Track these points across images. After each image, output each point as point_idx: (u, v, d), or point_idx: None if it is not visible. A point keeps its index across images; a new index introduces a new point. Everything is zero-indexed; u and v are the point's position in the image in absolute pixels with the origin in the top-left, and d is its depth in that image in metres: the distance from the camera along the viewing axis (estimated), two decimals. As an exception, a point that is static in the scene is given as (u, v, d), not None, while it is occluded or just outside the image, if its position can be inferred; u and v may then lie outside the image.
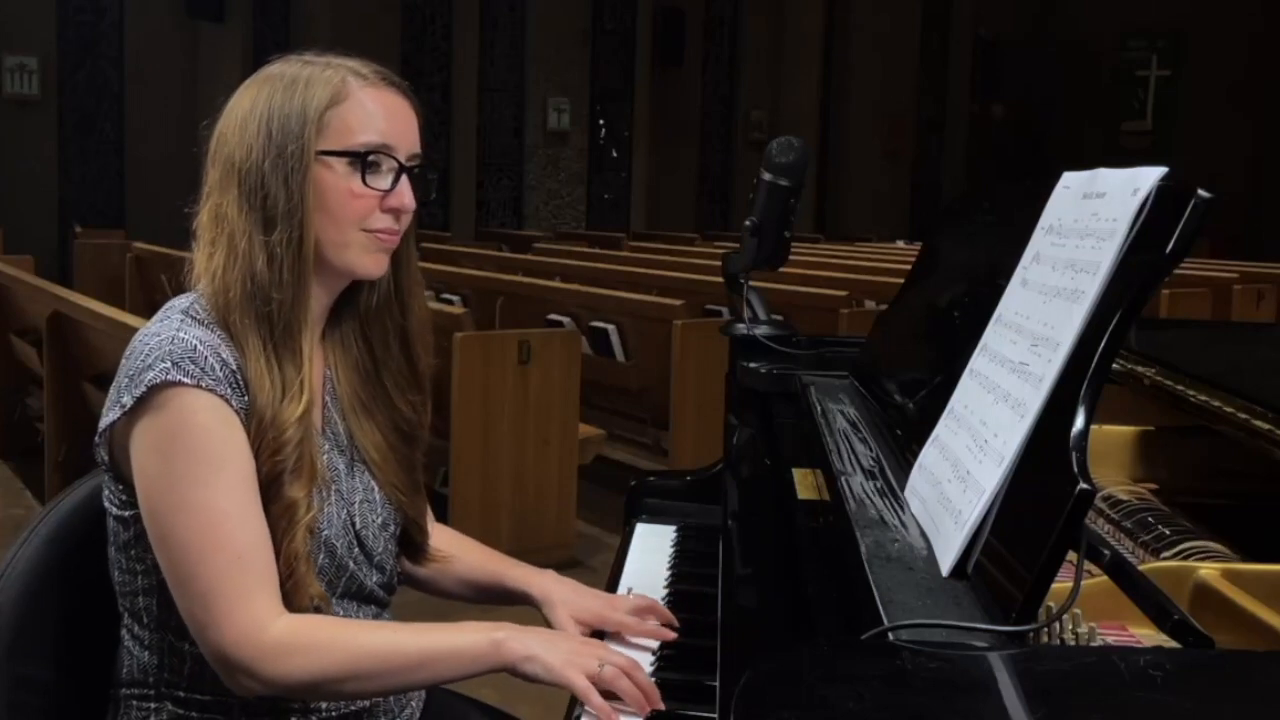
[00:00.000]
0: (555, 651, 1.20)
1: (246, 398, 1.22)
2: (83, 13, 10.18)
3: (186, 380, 1.18)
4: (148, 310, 6.26)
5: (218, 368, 1.20)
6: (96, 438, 1.25)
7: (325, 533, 1.28)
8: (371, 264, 1.30)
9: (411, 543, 1.44)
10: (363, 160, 1.26)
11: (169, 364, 1.18)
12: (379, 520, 1.37)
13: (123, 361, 1.24)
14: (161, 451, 1.19)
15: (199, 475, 1.18)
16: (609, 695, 1.18)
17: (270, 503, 1.22)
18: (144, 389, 1.18)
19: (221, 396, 1.20)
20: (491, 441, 4.00)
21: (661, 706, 1.18)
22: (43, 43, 9.89)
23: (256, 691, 1.20)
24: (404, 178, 1.29)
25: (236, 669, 1.18)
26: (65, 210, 10.11)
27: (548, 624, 1.42)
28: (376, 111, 1.29)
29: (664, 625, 1.39)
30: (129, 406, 1.19)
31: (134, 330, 3.52)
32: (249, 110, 1.28)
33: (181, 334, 1.21)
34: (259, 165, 1.25)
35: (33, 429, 5.11)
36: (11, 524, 4.33)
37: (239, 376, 1.22)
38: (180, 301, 1.27)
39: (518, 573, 1.50)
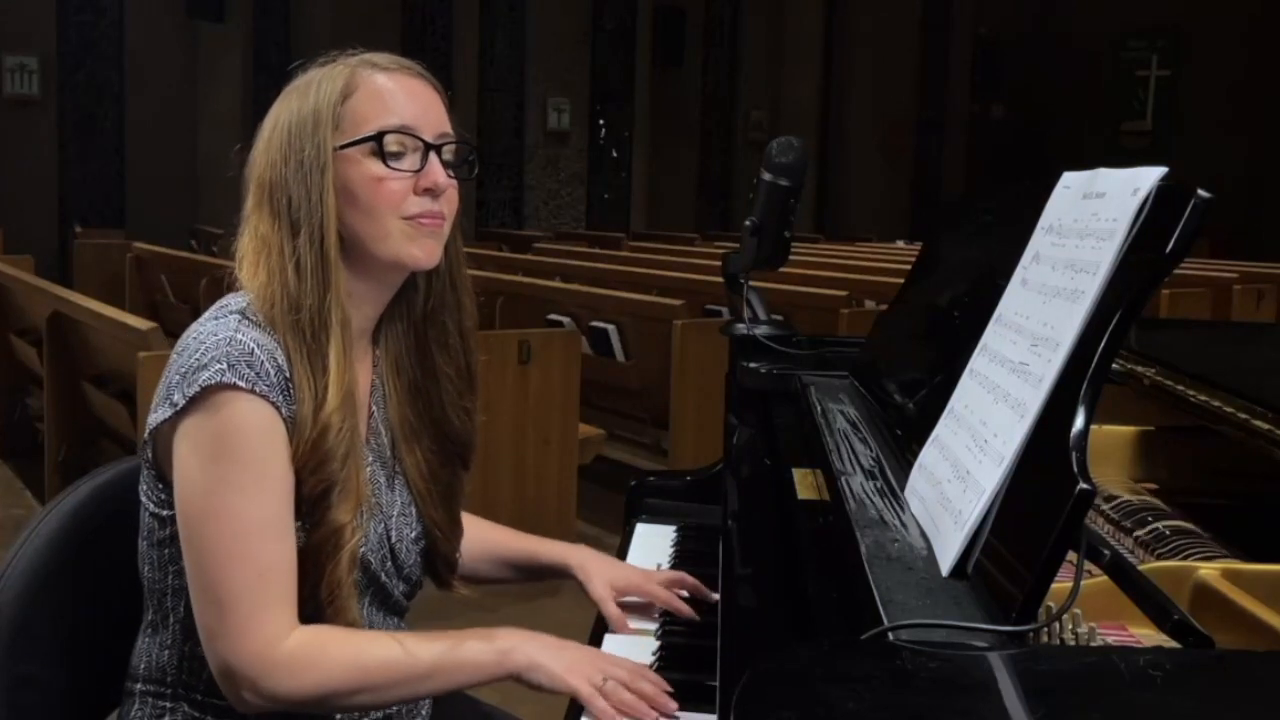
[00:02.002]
0: (559, 659, 1.20)
1: (295, 405, 1.20)
2: (83, 13, 10.19)
3: (241, 384, 1.16)
4: (148, 310, 6.28)
5: (272, 373, 1.18)
6: (145, 434, 1.24)
7: (362, 549, 1.27)
8: (420, 253, 1.26)
9: (435, 574, 1.43)
10: (379, 143, 1.24)
11: (224, 365, 1.16)
12: (413, 534, 1.37)
13: (173, 357, 1.22)
14: (206, 453, 1.17)
15: (240, 482, 1.16)
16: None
17: (316, 527, 1.21)
18: (197, 389, 1.16)
19: (273, 404, 1.18)
20: (491, 441, 4.00)
21: (674, 707, 1.18)
22: (43, 43, 9.90)
23: (257, 707, 1.18)
24: (433, 156, 1.26)
25: (242, 683, 1.16)
26: (65, 210, 10.12)
27: (585, 593, 1.48)
28: (390, 95, 1.26)
29: (698, 596, 1.46)
30: (180, 405, 1.17)
31: (134, 330, 3.51)
32: (272, 127, 1.28)
33: (239, 335, 1.19)
34: (282, 174, 1.24)
35: (33, 429, 5.11)
36: (11, 524, 4.33)
37: (291, 383, 1.20)
38: (235, 301, 1.25)
39: (550, 548, 1.55)
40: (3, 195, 9.40)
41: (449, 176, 1.28)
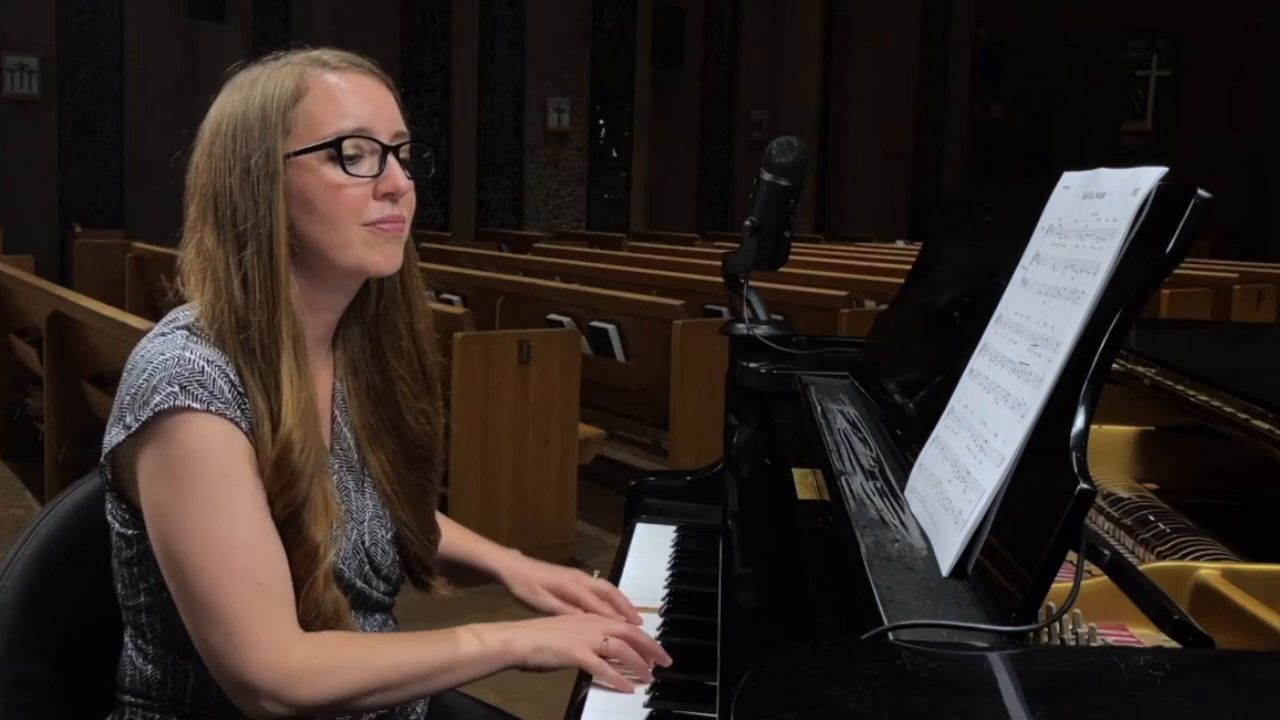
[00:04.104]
0: (560, 636, 1.21)
1: (248, 424, 1.17)
2: (83, 13, 10.19)
3: (196, 405, 1.13)
4: (148, 310, 6.27)
5: (226, 389, 1.15)
6: (101, 458, 1.21)
7: (335, 562, 1.24)
8: (382, 259, 1.22)
9: (411, 575, 1.41)
10: (338, 149, 1.19)
11: (176, 388, 1.13)
12: (389, 535, 1.34)
13: (125, 375, 1.18)
14: (173, 479, 1.14)
15: (214, 500, 1.14)
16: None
17: (291, 548, 1.18)
18: (151, 413, 1.13)
19: (231, 420, 1.15)
20: (491, 441, 4.00)
21: (669, 661, 1.22)
22: (43, 43, 9.90)
23: (277, 715, 1.16)
24: (391, 158, 1.22)
25: (261, 695, 1.14)
26: (65, 210, 10.12)
27: (517, 600, 1.47)
28: (344, 97, 1.21)
29: (629, 618, 1.38)
30: (134, 430, 1.14)
31: (134, 330, 3.51)
32: (214, 131, 1.22)
33: (187, 353, 1.15)
34: (227, 184, 1.19)
35: (33, 429, 5.11)
36: (11, 524, 4.33)
37: (246, 399, 1.17)
38: (183, 316, 1.21)
39: (485, 549, 1.52)
40: (3, 195, 9.40)
41: (408, 178, 1.24)
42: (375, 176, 1.21)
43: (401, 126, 1.25)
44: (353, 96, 1.22)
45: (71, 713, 1.36)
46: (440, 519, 1.49)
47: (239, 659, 1.14)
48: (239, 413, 1.16)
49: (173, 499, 1.14)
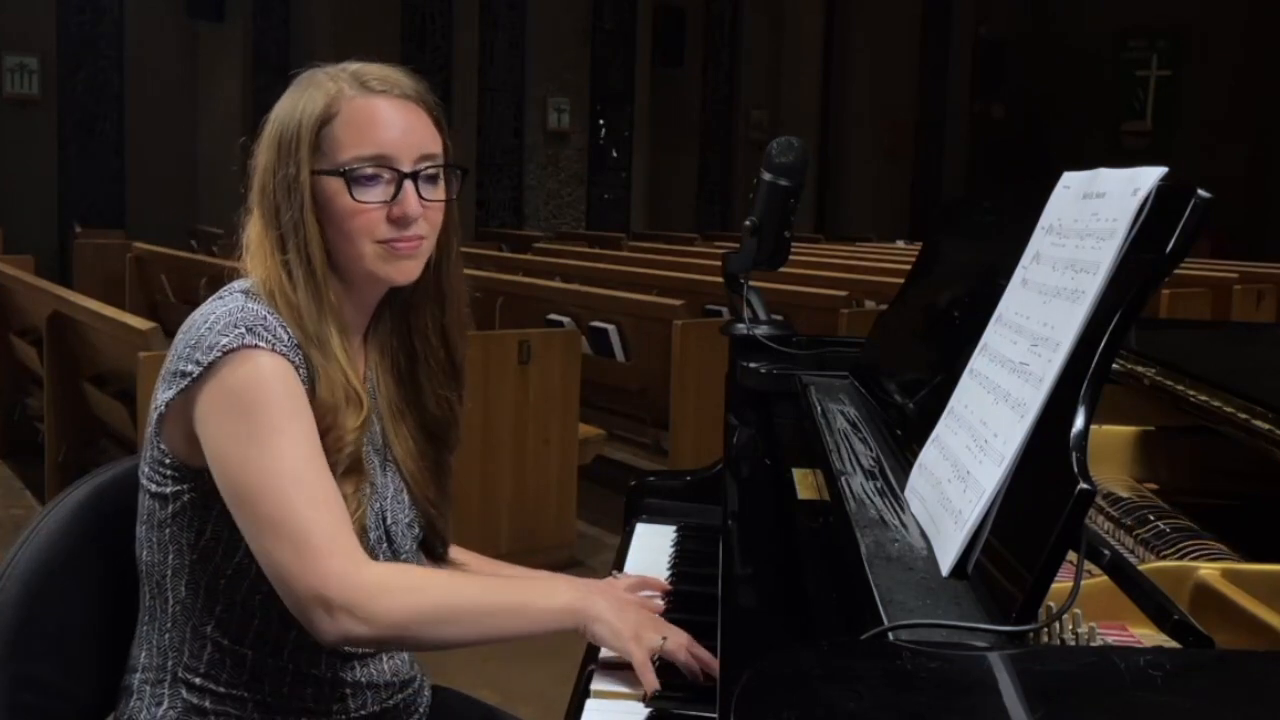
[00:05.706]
0: (624, 619, 1.22)
1: (306, 372, 1.24)
2: (83, 13, 10.19)
3: (261, 344, 1.20)
4: (148, 310, 6.28)
5: (286, 338, 1.23)
6: (162, 407, 1.25)
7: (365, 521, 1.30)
8: (395, 272, 1.30)
9: (430, 550, 1.47)
10: (350, 177, 1.26)
11: (243, 330, 1.20)
12: (406, 519, 1.39)
13: (179, 337, 1.25)
14: (237, 407, 1.19)
15: (279, 424, 1.19)
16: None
17: None
18: (219, 354, 1.19)
19: (293, 364, 1.22)
20: (491, 441, 4.00)
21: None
22: (43, 43, 9.90)
23: (353, 634, 1.17)
24: (407, 184, 1.27)
25: (338, 608, 1.16)
26: (65, 210, 10.11)
27: None
28: (369, 123, 1.27)
29: (659, 589, 1.48)
30: (197, 375, 1.20)
31: (134, 330, 3.52)
32: (268, 130, 1.30)
33: (250, 305, 1.24)
34: (271, 184, 1.28)
35: (33, 429, 5.11)
36: (11, 524, 4.33)
37: (301, 350, 1.24)
38: (239, 284, 1.29)
39: (516, 573, 1.54)
40: (3, 195, 9.39)
41: (425, 201, 1.29)
42: (388, 202, 1.27)
43: (430, 149, 1.30)
44: (379, 123, 1.28)
45: (72, 713, 1.36)
46: (462, 551, 1.55)
47: (315, 572, 1.16)
48: (298, 358, 1.23)
49: (240, 425, 1.19)
